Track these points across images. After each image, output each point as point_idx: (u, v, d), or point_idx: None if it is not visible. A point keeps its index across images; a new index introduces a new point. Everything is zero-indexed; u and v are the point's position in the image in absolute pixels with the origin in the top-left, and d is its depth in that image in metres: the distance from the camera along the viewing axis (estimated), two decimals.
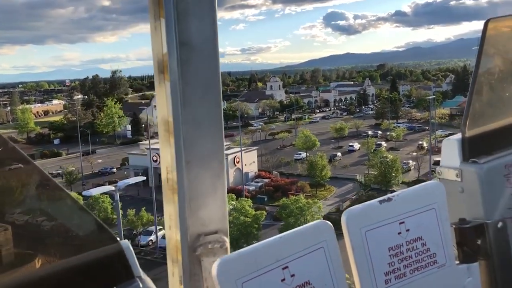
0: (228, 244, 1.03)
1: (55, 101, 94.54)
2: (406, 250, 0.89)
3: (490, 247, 0.95)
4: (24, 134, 67.00)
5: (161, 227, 28.37)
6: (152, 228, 29.59)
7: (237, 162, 41.68)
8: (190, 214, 0.99)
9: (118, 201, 17.64)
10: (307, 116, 79.60)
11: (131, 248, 0.70)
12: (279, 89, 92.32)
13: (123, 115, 69.11)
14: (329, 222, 0.84)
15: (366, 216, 0.87)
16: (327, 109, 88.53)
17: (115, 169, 48.53)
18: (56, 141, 65.53)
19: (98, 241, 0.70)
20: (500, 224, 0.96)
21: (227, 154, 40.91)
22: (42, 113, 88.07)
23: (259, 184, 39.87)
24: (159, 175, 41.56)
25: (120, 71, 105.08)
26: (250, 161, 43.42)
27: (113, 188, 18.05)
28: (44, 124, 72.48)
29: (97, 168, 49.25)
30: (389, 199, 0.89)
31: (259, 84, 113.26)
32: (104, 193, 26.29)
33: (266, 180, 40.54)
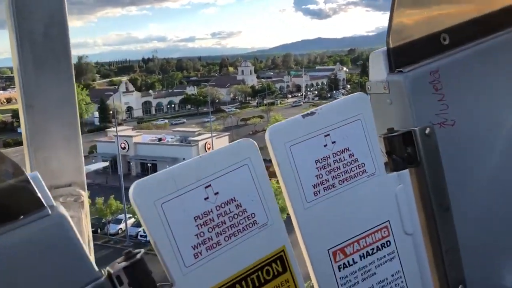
0: (85, 198, 0.97)
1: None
2: (334, 161, 0.89)
3: (419, 153, 0.96)
4: None
5: (131, 215, 27.68)
6: (122, 216, 28.86)
7: (209, 148, 41.03)
8: (37, 165, 0.93)
9: None
10: (279, 101, 79.35)
11: (40, 178, 0.68)
12: (251, 74, 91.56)
13: (90, 101, 67.23)
14: (251, 140, 0.83)
15: (290, 131, 0.87)
16: (299, 94, 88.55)
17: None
18: (19, 130, 63.23)
19: (2, 173, 0.67)
20: (428, 130, 0.97)
21: (197, 140, 40.31)
22: (5, 100, 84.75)
23: None
24: (128, 162, 40.33)
25: (87, 56, 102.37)
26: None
27: None
28: (7, 112, 69.83)
29: None
30: (312, 113, 0.89)
31: (230, 69, 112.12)
32: None
33: None
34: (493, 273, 1.07)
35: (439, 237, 0.96)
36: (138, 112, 69.99)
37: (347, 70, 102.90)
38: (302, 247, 0.87)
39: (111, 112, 63.36)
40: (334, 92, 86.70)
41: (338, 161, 0.90)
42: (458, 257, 0.98)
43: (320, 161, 0.88)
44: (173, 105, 75.42)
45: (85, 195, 0.96)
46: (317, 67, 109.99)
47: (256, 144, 0.84)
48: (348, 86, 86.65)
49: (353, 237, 0.90)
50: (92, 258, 0.94)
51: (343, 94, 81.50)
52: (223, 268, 0.78)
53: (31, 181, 0.66)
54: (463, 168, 1.02)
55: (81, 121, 69.35)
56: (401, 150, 0.95)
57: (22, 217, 0.63)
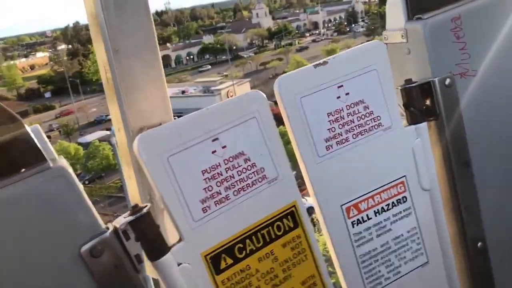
0: None
1: (39, 54, 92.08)
2: (347, 114, 0.85)
3: (438, 105, 0.91)
4: (14, 91, 66.10)
5: None
6: None
7: (231, 96, 41.30)
8: (129, 107, 0.94)
9: (116, 145, 17.75)
10: (297, 41, 78.04)
11: (41, 131, 0.66)
12: (266, 16, 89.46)
13: None
14: (261, 92, 0.80)
15: (300, 82, 0.82)
16: (317, 32, 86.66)
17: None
18: (47, 95, 64.71)
19: (2, 127, 0.66)
20: (448, 81, 0.91)
21: (219, 89, 40.68)
22: (29, 67, 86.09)
23: None
24: None
25: None
26: None
27: (108, 132, 18.02)
28: (32, 79, 71.30)
29: (92, 117, 49.17)
30: (325, 62, 0.84)
31: (245, 13, 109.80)
32: (102, 140, 26.44)
33: None
34: None
35: (457, 193, 0.94)
36: None
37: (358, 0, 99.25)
38: (314, 203, 0.85)
39: None
40: (353, 25, 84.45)
41: (352, 114, 0.85)
42: (478, 214, 0.95)
43: (333, 114, 0.84)
44: (191, 56, 75.29)
45: None
46: (343, 0, 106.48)
47: (264, 95, 0.80)
48: (367, 17, 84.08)
49: (367, 193, 0.87)
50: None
51: (362, 27, 79.48)
52: (233, 223, 0.76)
53: (31, 134, 0.64)
54: (484, 121, 0.97)
55: (100, 82, 70.23)
56: (419, 102, 0.91)
57: (23, 170, 0.62)
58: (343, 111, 0.85)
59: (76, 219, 0.64)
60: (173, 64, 74.48)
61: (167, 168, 0.71)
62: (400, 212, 0.90)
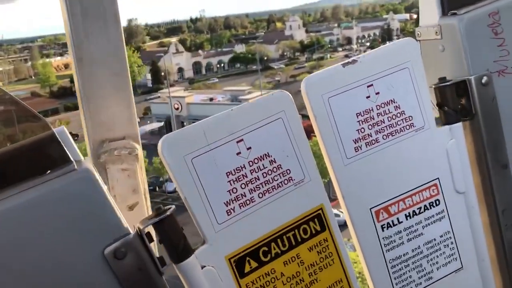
0: (139, 151, 0.95)
1: None
2: (377, 114, 0.82)
3: (474, 105, 0.87)
4: (47, 88, 67.58)
5: None
6: None
7: None
8: (90, 118, 0.93)
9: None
10: (329, 55, 77.49)
11: (67, 133, 0.66)
12: (299, 28, 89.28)
13: (142, 64, 68.60)
14: (287, 92, 0.78)
15: (328, 81, 0.80)
16: (349, 47, 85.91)
17: (138, 119, 48.66)
18: None
19: (29, 129, 0.66)
20: (484, 79, 0.87)
21: (247, 99, 40.42)
22: (63, 66, 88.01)
23: None
24: (182, 122, 41.60)
25: (136, 19, 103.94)
26: None
27: None
28: (65, 77, 72.79)
29: None
30: (354, 61, 0.81)
31: (278, 25, 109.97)
32: None
33: None
34: None
35: (494, 197, 0.89)
36: (189, 73, 70.78)
37: (408, 18, 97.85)
38: (342, 205, 0.83)
39: (162, 73, 64.50)
40: (387, 43, 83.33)
41: (383, 114, 0.83)
42: None
43: (362, 114, 0.82)
44: (222, 64, 75.59)
45: (139, 148, 0.94)
46: (382, 16, 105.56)
47: (291, 96, 0.78)
48: (402, 35, 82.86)
49: (398, 196, 0.84)
50: (145, 209, 0.94)
51: None
52: (258, 226, 0.75)
53: (57, 136, 0.64)
54: None
55: (134, 84, 71.29)
56: (454, 101, 0.87)
57: (49, 172, 0.63)
58: (373, 111, 0.82)
59: (100, 220, 0.64)
60: (203, 71, 74.86)
61: (191, 170, 0.70)
62: (433, 216, 0.87)
